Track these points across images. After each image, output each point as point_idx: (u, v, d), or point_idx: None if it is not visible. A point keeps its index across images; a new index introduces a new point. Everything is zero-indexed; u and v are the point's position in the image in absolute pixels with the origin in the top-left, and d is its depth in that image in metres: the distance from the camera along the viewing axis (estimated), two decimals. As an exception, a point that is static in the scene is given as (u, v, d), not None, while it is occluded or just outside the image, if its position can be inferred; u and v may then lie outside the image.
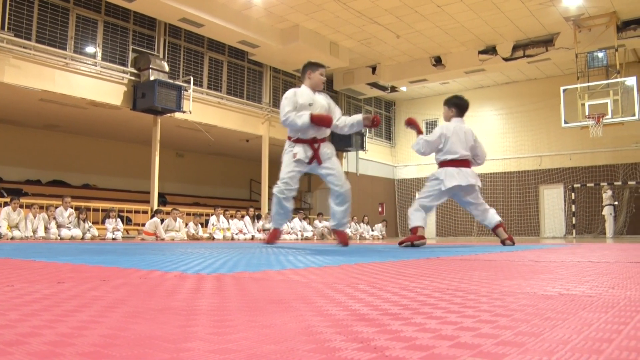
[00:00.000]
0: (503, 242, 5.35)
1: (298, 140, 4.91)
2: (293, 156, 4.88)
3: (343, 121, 5.07)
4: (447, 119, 5.44)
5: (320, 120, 4.79)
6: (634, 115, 12.55)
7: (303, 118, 4.76)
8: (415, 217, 5.21)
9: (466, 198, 5.36)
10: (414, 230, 5.13)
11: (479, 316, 0.84)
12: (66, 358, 0.56)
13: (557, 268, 1.97)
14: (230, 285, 1.32)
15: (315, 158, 4.90)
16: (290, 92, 4.98)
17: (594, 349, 0.61)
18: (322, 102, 5.02)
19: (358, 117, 5.04)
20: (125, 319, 0.81)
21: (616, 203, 15.62)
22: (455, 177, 5.17)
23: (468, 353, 0.59)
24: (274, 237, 5.29)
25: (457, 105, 5.41)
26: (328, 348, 0.61)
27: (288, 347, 0.62)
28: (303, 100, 4.88)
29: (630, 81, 12.75)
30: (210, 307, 0.95)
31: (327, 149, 5.00)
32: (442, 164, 5.29)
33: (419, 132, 5.44)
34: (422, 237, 5.10)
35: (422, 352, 0.59)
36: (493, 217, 5.43)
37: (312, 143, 4.91)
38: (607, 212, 15.33)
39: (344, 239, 5.11)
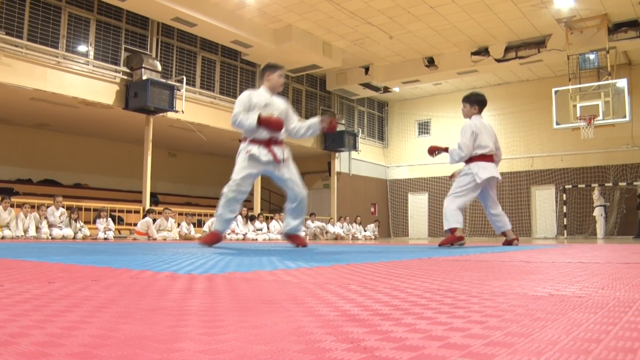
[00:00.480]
0: (510, 242, 5.46)
1: (253, 141, 4.66)
2: (246, 153, 4.61)
3: (299, 124, 4.93)
4: (468, 116, 5.43)
5: (268, 123, 4.52)
6: (624, 116, 12.65)
7: (250, 120, 4.50)
8: (453, 218, 5.22)
9: (491, 192, 5.41)
10: (453, 230, 5.19)
11: (470, 317, 0.84)
12: (55, 358, 0.56)
13: (548, 269, 1.98)
14: (221, 286, 1.32)
15: (273, 157, 4.64)
16: (244, 94, 4.75)
17: (582, 350, 0.61)
18: (280, 105, 4.83)
19: (315, 119, 4.93)
20: (116, 319, 0.81)
21: (607, 204, 15.74)
22: (488, 169, 5.23)
23: (457, 353, 0.59)
24: (212, 239, 4.78)
25: (480, 103, 5.46)
26: (318, 349, 0.61)
27: (278, 347, 0.62)
28: (258, 100, 4.67)
29: (621, 83, 12.85)
30: (201, 307, 0.95)
31: (284, 152, 4.77)
32: (472, 158, 5.30)
33: (444, 149, 5.45)
34: (462, 238, 5.21)
35: (412, 352, 0.60)
36: (507, 221, 5.53)
37: (268, 144, 4.67)
38: (597, 213, 15.44)
39: (301, 242, 4.93)
